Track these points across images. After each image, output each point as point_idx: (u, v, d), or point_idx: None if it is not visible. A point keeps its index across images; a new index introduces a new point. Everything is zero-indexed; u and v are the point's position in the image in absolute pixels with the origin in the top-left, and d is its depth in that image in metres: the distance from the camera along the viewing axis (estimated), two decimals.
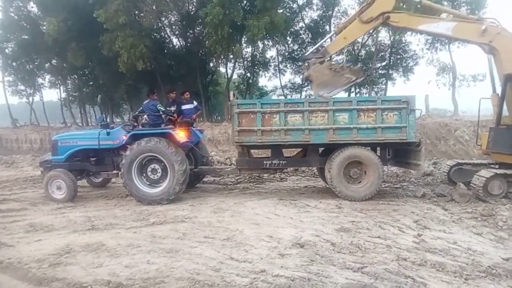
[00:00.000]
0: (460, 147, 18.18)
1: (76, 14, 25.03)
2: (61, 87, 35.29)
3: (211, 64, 31.20)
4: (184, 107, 9.09)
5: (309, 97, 26.88)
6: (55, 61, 30.53)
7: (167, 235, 5.64)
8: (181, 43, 30.28)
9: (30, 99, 35.36)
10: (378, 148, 7.98)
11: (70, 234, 5.81)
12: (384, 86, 28.94)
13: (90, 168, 8.55)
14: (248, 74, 31.27)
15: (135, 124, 8.17)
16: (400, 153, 8.00)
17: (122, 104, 39.39)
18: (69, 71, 31.64)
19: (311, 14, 30.60)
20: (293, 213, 6.76)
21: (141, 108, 8.24)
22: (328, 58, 8.34)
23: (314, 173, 11.06)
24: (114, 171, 8.40)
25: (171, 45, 30.65)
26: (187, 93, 9.73)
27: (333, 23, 29.76)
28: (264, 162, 7.98)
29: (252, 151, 8.42)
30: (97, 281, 3.95)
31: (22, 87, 34.26)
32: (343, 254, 4.75)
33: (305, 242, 5.15)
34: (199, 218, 6.52)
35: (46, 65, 31.81)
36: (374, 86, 28.23)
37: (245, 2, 24.45)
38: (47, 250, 5.03)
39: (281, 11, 25.19)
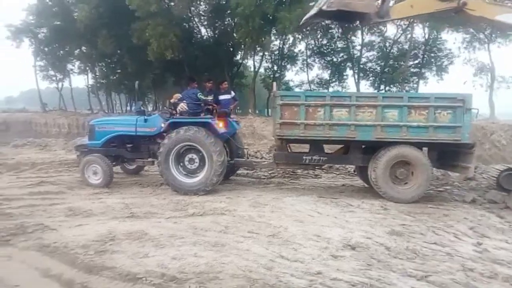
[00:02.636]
0: (495, 151, 17.42)
1: (107, 1, 25.20)
2: (89, 74, 35.85)
3: (238, 56, 30.99)
4: (221, 97, 8.89)
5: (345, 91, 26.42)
6: (85, 48, 30.91)
7: (209, 227, 5.46)
8: (209, 34, 30.17)
9: (60, 84, 36.01)
10: (424, 149, 7.57)
11: (110, 221, 5.70)
12: (415, 85, 28.06)
13: (126, 155, 8.46)
14: (275, 68, 30.91)
15: (174, 112, 8.00)
16: (447, 154, 7.54)
17: (147, 93, 39.69)
18: (98, 58, 32.03)
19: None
20: (336, 212, 6.46)
21: (180, 95, 8.06)
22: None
23: (349, 171, 10.70)
24: (149, 159, 8.30)
25: (199, 36, 30.57)
26: (225, 82, 9.51)
27: None
28: (304, 157, 7.68)
29: (292, 145, 8.11)
30: (149, 273, 3.78)
31: (52, 73, 34.85)
32: (400, 259, 4.43)
33: (356, 244, 4.86)
34: (238, 211, 6.31)
35: (76, 51, 32.33)
36: (405, 85, 27.34)
37: None
38: (90, 236, 4.92)
39: (313, 3, 24.65)
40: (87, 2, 24.70)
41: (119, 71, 33.79)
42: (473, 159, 6.95)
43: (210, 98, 8.34)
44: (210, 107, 8.29)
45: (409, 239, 5.14)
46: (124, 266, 3.96)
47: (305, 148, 8.50)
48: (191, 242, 4.81)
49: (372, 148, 7.41)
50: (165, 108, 8.62)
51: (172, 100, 8.06)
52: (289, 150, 7.99)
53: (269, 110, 33.62)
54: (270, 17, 23.42)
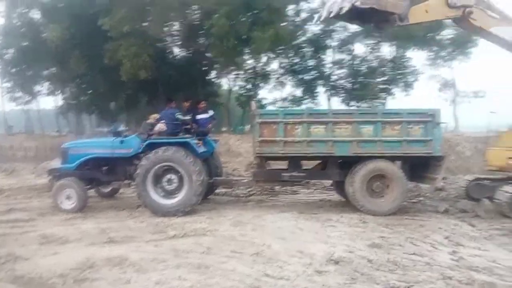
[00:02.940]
0: (461, 163, 18.13)
1: (80, 21, 24.90)
2: (58, 95, 34.91)
3: (212, 76, 31.18)
4: (199, 116, 8.86)
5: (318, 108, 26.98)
6: (55, 69, 30.15)
7: (190, 249, 5.37)
8: (183, 54, 30.24)
9: (27, 106, 34.86)
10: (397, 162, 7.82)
11: (88, 247, 5.50)
12: (384, 101, 29.05)
13: (101, 177, 8.24)
14: (249, 86, 31.23)
15: (151, 132, 7.91)
16: (417, 167, 7.79)
17: (119, 114, 38.99)
18: (69, 79, 31.29)
19: (313, 28, 30.83)
20: (317, 227, 6.52)
21: (159, 116, 8.00)
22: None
23: (325, 186, 10.86)
24: (126, 181, 8.13)
25: (172, 55, 30.56)
26: (203, 102, 9.53)
27: (334, 38, 30.09)
28: (283, 174, 7.77)
29: (271, 162, 8.18)
30: None
31: (19, 94, 33.73)
32: (382, 271, 4.52)
33: (339, 258, 4.92)
34: (220, 231, 6.25)
35: (45, 72, 31.48)
36: (374, 101, 28.28)
37: (250, 14, 24.49)
38: (67, 264, 4.72)
39: (284, 24, 25.30)
40: (59, 22, 24.28)
41: (90, 91, 33.09)
42: (441, 171, 7.26)
43: (188, 117, 8.31)
44: (188, 126, 8.25)
45: (389, 251, 5.26)
46: None
47: (284, 164, 8.61)
48: (173, 265, 4.71)
49: (349, 163, 7.58)
50: (141, 129, 8.50)
51: (149, 121, 7.99)
52: (268, 167, 8.04)
53: (242, 128, 33.89)
54: (243, 37, 23.85)
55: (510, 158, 7.37)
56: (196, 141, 7.63)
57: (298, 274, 4.41)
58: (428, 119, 7.09)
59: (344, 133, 7.21)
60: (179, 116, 7.82)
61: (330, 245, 5.50)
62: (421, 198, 9.18)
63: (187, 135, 7.84)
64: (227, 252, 5.21)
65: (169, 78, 29.66)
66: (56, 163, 8.72)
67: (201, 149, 7.64)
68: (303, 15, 29.81)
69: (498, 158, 7.66)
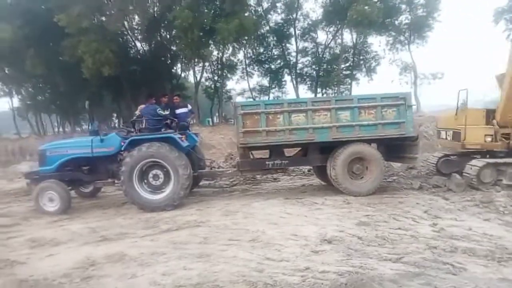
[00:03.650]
0: (425, 141, 19.11)
1: (33, 20, 23.61)
2: (14, 96, 33.07)
3: (177, 69, 30.77)
4: (178, 111, 8.87)
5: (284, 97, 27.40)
6: (9, 69, 28.50)
7: (187, 240, 5.50)
8: (146, 48, 29.56)
9: None
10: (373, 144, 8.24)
11: (83, 247, 5.48)
12: (349, 87, 29.98)
13: (83, 178, 8.10)
14: (216, 78, 31.14)
15: (132, 129, 7.85)
16: (393, 148, 8.27)
17: (82, 112, 37.56)
18: (25, 79, 29.72)
19: (275, 18, 31.12)
20: (305, 211, 6.82)
21: (139, 112, 7.94)
22: None
23: (304, 172, 11.25)
24: (109, 180, 8.05)
25: (135, 50, 29.81)
26: (177, 97, 9.52)
27: (297, 26, 30.52)
28: (267, 162, 8.00)
29: (254, 152, 8.37)
30: None
31: None
32: (374, 247, 4.87)
33: (332, 238, 5.22)
34: (212, 221, 6.40)
35: None
36: (340, 87, 29.10)
37: (212, 5, 24.33)
38: (66, 264, 4.71)
39: (246, 14, 25.33)
40: (9, 22, 22.89)
41: (49, 91, 31.66)
42: (419, 150, 7.75)
43: (167, 112, 8.31)
44: (169, 121, 8.26)
45: (376, 227, 5.64)
46: None
47: (266, 154, 8.85)
48: (175, 256, 4.83)
49: (329, 148, 7.92)
50: (121, 126, 8.42)
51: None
52: (252, 157, 8.23)
53: (209, 120, 33.79)
54: (207, 28, 23.66)
55: (487, 135, 7.93)
56: (179, 136, 7.67)
57: (297, 255, 4.66)
58: (400, 102, 7.52)
59: (323, 120, 7.51)
60: (161, 111, 7.81)
61: (321, 226, 5.80)
62: (395, 177, 9.75)
63: (169, 130, 7.86)
64: (225, 241, 5.37)
65: (134, 74, 28.98)
66: (26, 166, 8.43)
67: (185, 143, 7.69)
68: (265, 4, 30.02)
69: (477, 136, 8.16)
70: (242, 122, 7.41)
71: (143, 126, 7.69)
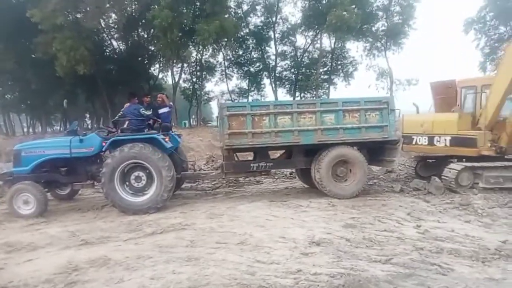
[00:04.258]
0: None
1: (4, 13, 22.65)
2: None
3: (155, 69, 30.32)
4: (161, 110, 8.70)
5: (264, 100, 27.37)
6: None
7: (174, 243, 5.37)
8: (123, 47, 28.98)
9: None
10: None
11: (63, 251, 5.26)
12: (327, 91, 30.41)
13: (60, 179, 7.80)
14: (194, 79, 30.87)
15: (113, 130, 7.63)
16: (374, 151, 8.40)
17: (54, 112, 36.29)
18: None
19: (255, 20, 31.24)
20: (290, 213, 6.82)
21: (121, 112, 7.71)
22: None
23: (286, 174, 11.27)
24: (88, 181, 7.79)
25: (111, 49, 29.15)
26: (160, 97, 9.33)
27: (276, 30, 30.73)
28: (251, 165, 7.95)
29: (238, 154, 8.31)
30: None
31: None
32: (362, 248, 4.92)
33: (320, 240, 5.23)
34: (198, 224, 6.29)
35: None
36: (319, 90, 29.48)
37: (193, 5, 24.13)
38: (47, 269, 4.50)
39: (226, 16, 25.29)
40: None
41: (19, 89, 30.37)
42: (397, 154, 7.91)
43: (150, 113, 8.12)
44: (151, 121, 8.08)
45: (362, 229, 5.70)
46: None
47: (249, 156, 8.81)
48: (162, 260, 4.70)
49: (313, 151, 7.97)
50: (100, 126, 8.18)
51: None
52: (236, 159, 8.17)
53: (185, 123, 33.40)
54: (187, 29, 23.45)
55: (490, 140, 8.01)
56: (162, 136, 7.51)
57: (287, 258, 4.64)
58: (383, 106, 7.66)
59: (308, 123, 7.54)
60: (144, 111, 7.62)
61: (308, 228, 5.81)
62: (375, 180, 9.92)
63: (152, 131, 7.69)
64: (212, 244, 5.28)
65: (109, 73, 28.35)
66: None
67: (169, 144, 7.54)
68: (245, 7, 30.08)
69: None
70: (228, 123, 7.33)
71: (125, 126, 7.47)
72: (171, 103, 9.08)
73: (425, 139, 8.97)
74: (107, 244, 5.53)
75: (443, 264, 4.29)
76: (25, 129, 38.38)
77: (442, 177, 8.08)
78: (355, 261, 4.44)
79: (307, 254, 4.75)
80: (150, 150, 7.14)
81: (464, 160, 8.25)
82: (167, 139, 7.58)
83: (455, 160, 8.64)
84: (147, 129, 7.76)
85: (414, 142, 9.26)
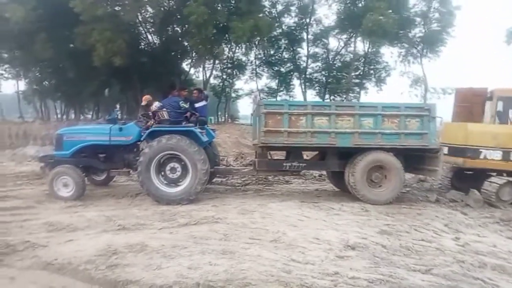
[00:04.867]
0: None
1: (47, 2, 23.57)
2: (21, 80, 32.94)
3: (187, 64, 30.75)
4: (197, 105, 8.80)
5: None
6: (18, 52, 28.35)
7: (208, 236, 5.42)
8: (157, 41, 29.54)
9: None
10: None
11: (102, 234, 5.42)
12: (358, 95, 29.99)
13: (98, 165, 8.05)
14: (225, 76, 31.12)
15: (152, 120, 7.78)
16: (413, 158, 8.16)
17: (87, 101, 37.44)
18: (33, 63, 29.60)
19: (288, 21, 31.16)
20: (322, 215, 6.75)
21: (160, 104, 7.86)
22: None
23: (315, 176, 11.18)
24: (125, 169, 7.99)
25: (146, 43, 29.78)
26: (196, 91, 9.46)
27: (309, 31, 30.54)
28: (284, 164, 7.92)
29: (271, 152, 8.30)
30: (177, 283, 3.70)
31: None
32: (399, 256, 4.81)
33: (355, 244, 5.14)
34: (230, 219, 6.31)
35: (6, 55, 29.52)
36: (349, 94, 29.11)
37: (228, 3, 24.33)
38: (88, 251, 4.64)
39: (261, 15, 25.35)
40: (23, 2, 22.79)
41: (56, 77, 31.52)
42: (440, 163, 7.67)
43: (187, 105, 8.23)
44: (188, 114, 8.19)
45: (399, 237, 5.57)
46: (145, 279, 3.82)
47: (281, 155, 8.80)
48: (198, 251, 4.75)
49: (347, 154, 7.85)
50: (139, 116, 8.38)
51: (153, 107, 7.83)
52: (270, 157, 8.16)
53: (211, 119, 33.57)
54: (222, 26, 23.66)
55: None
56: (199, 130, 7.60)
57: (322, 259, 4.59)
58: (425, 113, 7.46)
59: (345, 125, 7.45)
60: (183, 104, 7.74)
61: (342, 232, 5.73)
62: (408, 189, 9.68)
63: (190, 124, 7.80)
64: (246, 239, 5.30)
65: (143, 66, 28.94)
66: (34, 150, 8.36)
67: (205, 138, 7.63)
68: (279, 7, 30.05)
69: None
70: (265, 121, 7.33)
71: (164, 117, 7.60)
72: (207, 94, 9.13)
73: (498, 153, 7.96)
74: (143, 231, 5.66)
75: (487, 279, 4.13)
76: (59, 116, 39.75)
77: (482, 190, 7.80)
78: (393, 269, 4.34)
79: (342, 257, 4.68)
80: (187, 142, 7.24)
81: (504, 174, 7.92)
82: (203, 133, 7.66)
83: (494, 174, 8.30)
84: (184, 122, 7.86)
85: (482, 157, 8.02)
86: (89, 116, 42.77)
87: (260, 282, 3.79)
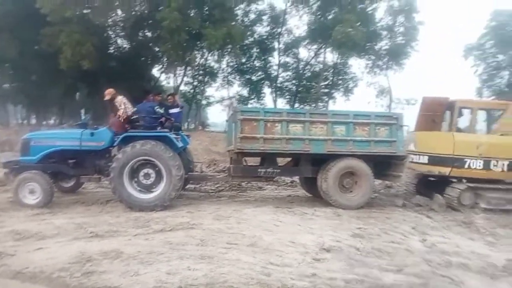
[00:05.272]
0: None
1: (12, 2, 22.60)
2: None
3: (157, 70, 30.38)
4: (171, 110, 8.76)
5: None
6: None
7: (184, 241, 5.38)
8: (127, 46, 29.00)
9: None
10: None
11: (73, 242, 5.26)
12: (326, 104, 30.71)
13: (68, 171, 7.79)
14: (196, 83, 30.97)
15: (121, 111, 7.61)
16: (380, 165, 8.47)
17: (51, 105, 35.91)
18: None
19: (260, 30, 31.55)
20: (297, 220, 6.88)
21: (135, 109, 7.75)
22: None
23: (287, 182, 11.34)
24: (96, 175, 7.79)
25: (115, 47, 29.15)
26: (171, 97, 9.41)
27: (281, 41, 31.06)
28: (259, 170, 8.01)
29: (247, 159, 8.37)
30: None
31: None
32: (372, 258, 5.00)
33: (330, 247, 5.30)
34: (205, 224, 6.30)
35: None
36: (318, 103, 29.75)
37: (202, 11, 24.32)
38: (60, 258, 4.50)
39: (233, 23, 25.51)
40: None
41: (18, 79, 30.09)
42: (404, 169, 8.04)
43: (163, 111, 8.17)
44: (163, 120, 8.12)
45: (370, 240, 5.78)
46: (123, 286, 3.78)
47: (254, 161, 8.89)
48: (176, 256, 4.72)
49: (320, 160, 8.06)
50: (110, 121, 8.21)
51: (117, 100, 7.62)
52: (245, 164, 8.23)
53: (187, 126, 33.32)
54: (194, 33, 23.58)
55: None
56: (174, 135, 7.56)
57: (299, 262, 4.69)
58: (393, 122, 7.82)
59: (319, 132, 7.66)
60: (158, 109, 7.68)
61: (317, 235, 5.87)
62: (376, 194, 10.02)
63: (165, 130, 7.74)
64: (223, 244, 5.31)
65: (112, 70, 28.22)
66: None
67: (180, 144, 7.59)
68: (252, 16, 30.39)
69: None
70: (241, 127, 7.40)
71: (138, 123, 7.51)
72: (182, 104, 9.12)
73: (480, 163, 8.11)
74: (116, 238, 5.53)
75: (454, 276, 4.38)
76: (19, 121, 37.93)
77: (445, 195, 8.22)
78: (367, 269, 4.52)
79: (319, 260, 4.81)
80: (162, 148, 7.18)
81: (464, 180, 8.34)
82: (178, 138, 7.63)
83: (455, 180, 8.76)
84: (159, 127, 7.80)
85: (467, 166, 8.13)
86: (52, 121, 41.18)
87: (242, 285, 3.83)
